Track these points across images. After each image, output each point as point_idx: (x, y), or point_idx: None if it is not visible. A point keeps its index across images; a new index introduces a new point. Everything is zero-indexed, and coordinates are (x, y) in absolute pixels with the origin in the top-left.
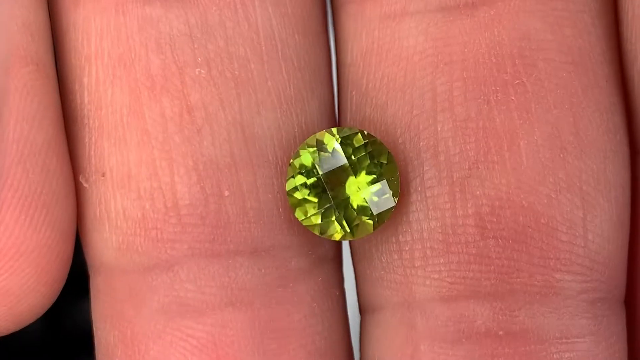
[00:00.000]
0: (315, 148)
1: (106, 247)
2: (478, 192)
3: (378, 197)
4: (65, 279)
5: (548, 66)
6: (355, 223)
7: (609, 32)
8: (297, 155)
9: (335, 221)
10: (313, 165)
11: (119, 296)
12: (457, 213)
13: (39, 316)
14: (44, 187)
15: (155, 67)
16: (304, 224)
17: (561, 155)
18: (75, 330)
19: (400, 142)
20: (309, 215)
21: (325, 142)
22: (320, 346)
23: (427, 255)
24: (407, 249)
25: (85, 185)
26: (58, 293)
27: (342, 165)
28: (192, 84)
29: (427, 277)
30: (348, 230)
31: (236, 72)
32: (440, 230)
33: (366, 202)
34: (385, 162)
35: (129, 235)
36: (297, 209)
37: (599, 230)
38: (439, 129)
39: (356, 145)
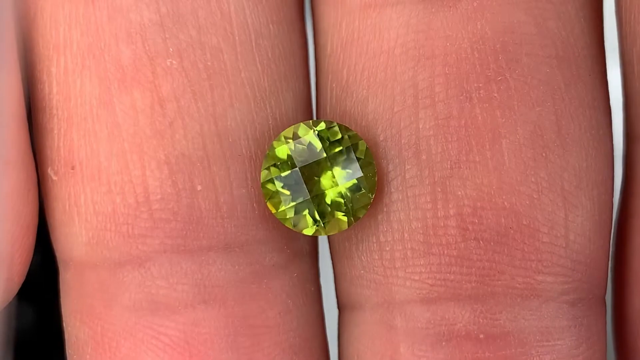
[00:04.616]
0: (291, 140)
1: (76, 242)
2: (460, 193)
3: (353, 192)
4: (26, 274)
5: (531, 61)
6: (328, 218)
7: (593, 23)
8: (273, 147)
9: (307, 215)
10: (289, 157)
11: (89, 292)
12: (439, 214)
13: None
14: (4, 180)
15: (125, 57)
16: (277, 217)
17: (543, 154)
18: None
19: (381, 139)
20: (281, 208)
21: (302, 134)
22: (294, 343)
23: (408, 256)
24: (387, 249)
25: (55, 178)
26: (18, 287)
27: (317, 159)
28: (163, 75)
29: (408, 278)
30: (320, 225)
31: (209, 63)
32: (421, 231)
33: (341, 197)
34: (363, 157)
35: (99, 230)
36: (270, 202)
37: (580, 230)
38: (421, 126)
39: (333, 138)
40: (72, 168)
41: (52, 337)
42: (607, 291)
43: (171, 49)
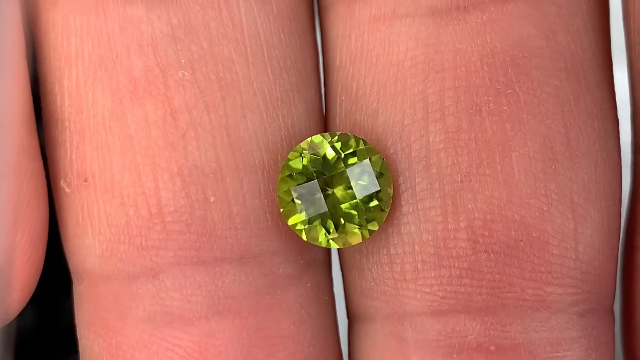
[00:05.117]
0: (307, 151)
1: (89, 254)
2: (470, 206)
3: (368, 205)
4: (36, 284)
5: (541, 74)
6: (342, 231)
7: (600, 34)
8: (289, 158)
9: (321, 227)
10: (304, 168)
11: (103, 304)
12: (449, 226)
13: (8, 321)
14: (14, 190)
15: (137, 69)
16: (291, 228)
17: (552, 166)
18: (67, 326)
19: (391, 152)
20: (296, 219)
21: (318, 146)
22: (309, 353)
23: (419, 268)
24: (398, 261)
25: (67, 190)
26: (29, 297)
27: (333, 171)
28: (175, 87)
29: (418, 291)
30: (334, 237)
31: (221, 74)
32: (432, 244)
33: (355, 210)
34: (379, 169)
35: (113, 242)
36: (285, 212)
37: (589, 241)
38: (431, 140)
39: (349, 150)
40: (85, 180)
41: (52, 338)
42: (614, 300)
43: (183, 61)
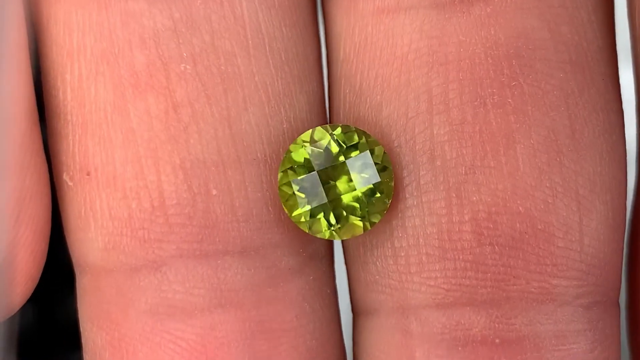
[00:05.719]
0: (308, 144)
1: (92, 247)
2: (474, 198)
3: (369, 197)
4: (39, 277)
5: (545, 67)
6: (343, 223)
7: (605, 26)
8: (290, 151)
9: (322, 219)
10: (306, 161)
11: (106, 297)
12: (454, 219)
13: (10, 314)
14: (17, 184)
15: (139, 63)
16: (292, 220)
17: (557, 158)
18: (68, 323)
19: (395, 144)
20: (297, 211)
21: (319, 138)
22: (311, 346)
23: (423, 261)
24: (402, 254)
25: (70, 183)
26: (31, 291)
27: (334, 163)
28: (177, 80)
29: (423, 284)
30: (335, 229)
31: (222, 68)
32: (436, 237)
33: (357, 202)
34: (380, 162)
35: (115, 235)
36: (286, 205)
37: (594, 233)
38: (435, 132)
39: (350, 142)
40: (88, 174)
41: (53, 335)
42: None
43: (185, 54)
